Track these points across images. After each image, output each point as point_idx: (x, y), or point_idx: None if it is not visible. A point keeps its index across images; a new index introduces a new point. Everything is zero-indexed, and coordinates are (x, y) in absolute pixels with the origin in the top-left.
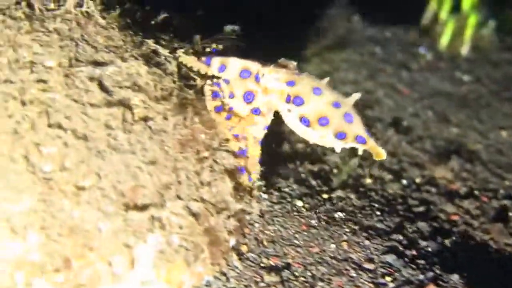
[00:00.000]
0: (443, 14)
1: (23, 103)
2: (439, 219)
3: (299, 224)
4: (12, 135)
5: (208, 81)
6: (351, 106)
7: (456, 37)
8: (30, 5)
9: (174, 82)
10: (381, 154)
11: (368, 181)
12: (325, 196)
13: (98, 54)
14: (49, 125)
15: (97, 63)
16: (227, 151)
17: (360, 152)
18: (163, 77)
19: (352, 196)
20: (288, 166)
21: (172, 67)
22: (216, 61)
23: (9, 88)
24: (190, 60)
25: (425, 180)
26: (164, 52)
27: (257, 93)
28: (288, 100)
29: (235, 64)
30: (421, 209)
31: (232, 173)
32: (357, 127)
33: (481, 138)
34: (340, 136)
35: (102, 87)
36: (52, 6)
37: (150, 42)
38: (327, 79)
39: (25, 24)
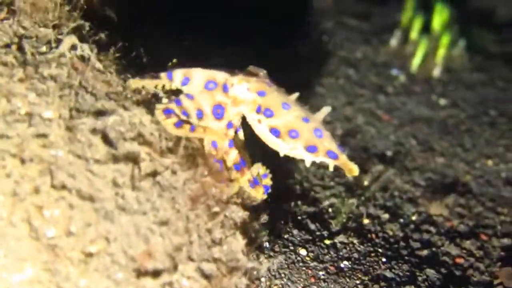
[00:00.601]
0: (414, 34)
1: (22, 161)
2: (445, 263)
3: (306, 276)
4: (11, 197)
5: (164, 101)
6: (320, 121)
7: (427, 57)
8: (20, 48)
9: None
10: (353, 170)
11: (366, 221)
12: (327, 242)
13: (98, 102)
14: (52, 186)
15: (98, 113)
16: (236, 203)
17: (331, 168)
18: None
19: (355, 240)
20: (282, 207)
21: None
22: (178, 73)
23: (6, 144)
24: (143, 82)
25: (422, 218)
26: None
27: (227, 105)
28: (258, 110)
29: (199, 75)
30: (425, 252)
31: (242, 227)
32: (328, 142)
33: (469, 168)
34: (311, 149)
35: (106, 140)
36: (44, 49)
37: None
38: (296, 95)
39: (18, 70)
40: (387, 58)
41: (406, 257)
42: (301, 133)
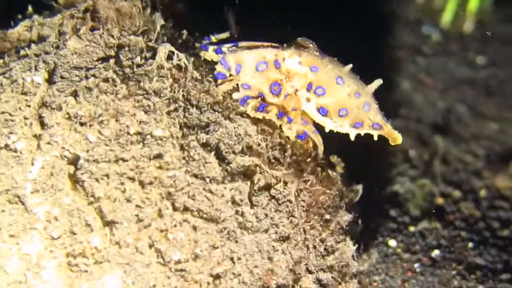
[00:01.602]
0: None
1: (142, 185)
2: None
3: (403, 270)
4: (134, 223)
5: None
6: (371, 95)
7: (457, 12)
8: (117, 62)
9: (280, 136)
10: (397, 138)
11: (440, 200)
12: (412, 229)
13: (203, 115)
14: (174, 208)
15: (206, 127)
16: (341, 206)
17: (375, 138)
18: (271, 133)
19: (438, 225)
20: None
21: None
22: (231, 61)
23: (123, 168)
24: (226, 87)
25: (491, 193)
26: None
27: (282, 81)
28: (309, 88)
29: (248, 58)
30: (506, 232)
31: (349, 231)
32: (374, 115)
33: None
34: (357, 125)
35: (219, 156)
36: (139, 60)
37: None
38: (350, 66)
39: (121, 87)
40: (416, 15)
41: (491, 240)
42: (350, 111)
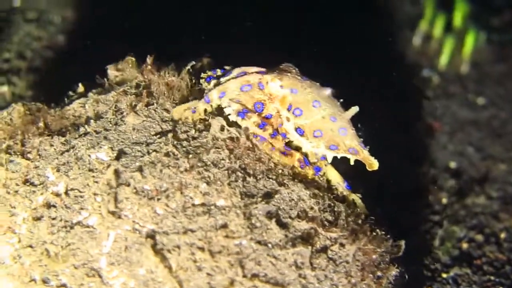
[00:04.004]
0: (437, 32)
1: (211, 254)
2: None
3: None
4: None
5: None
6: (347, 120)
7: (453, 54)
8: (175, 136)
9: (329, 198)
10: (373, 164)
11: (465, 245)
12: (444, 275)
13: (259, 183)
14: (244, 275)
15: (264, 195)
16: (391, 263)
17: (351, 162)
18: (322, 197)
19: (468, 271)
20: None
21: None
22: (215, 94)
23: (193, 238)
24: (182, 109)
25: (509, 235)
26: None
27: (266, 101)
28: (289, 108)
29: (232, 85)
30: None
31: (398, 285)
32: (350, 140)
33: None
34: (333, 147)
35: (279, 222)
36: (193, 132)
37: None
38: (329, 90)
39: (183, 160)
40: (414, 58)
41: None
42: (325, 133)
